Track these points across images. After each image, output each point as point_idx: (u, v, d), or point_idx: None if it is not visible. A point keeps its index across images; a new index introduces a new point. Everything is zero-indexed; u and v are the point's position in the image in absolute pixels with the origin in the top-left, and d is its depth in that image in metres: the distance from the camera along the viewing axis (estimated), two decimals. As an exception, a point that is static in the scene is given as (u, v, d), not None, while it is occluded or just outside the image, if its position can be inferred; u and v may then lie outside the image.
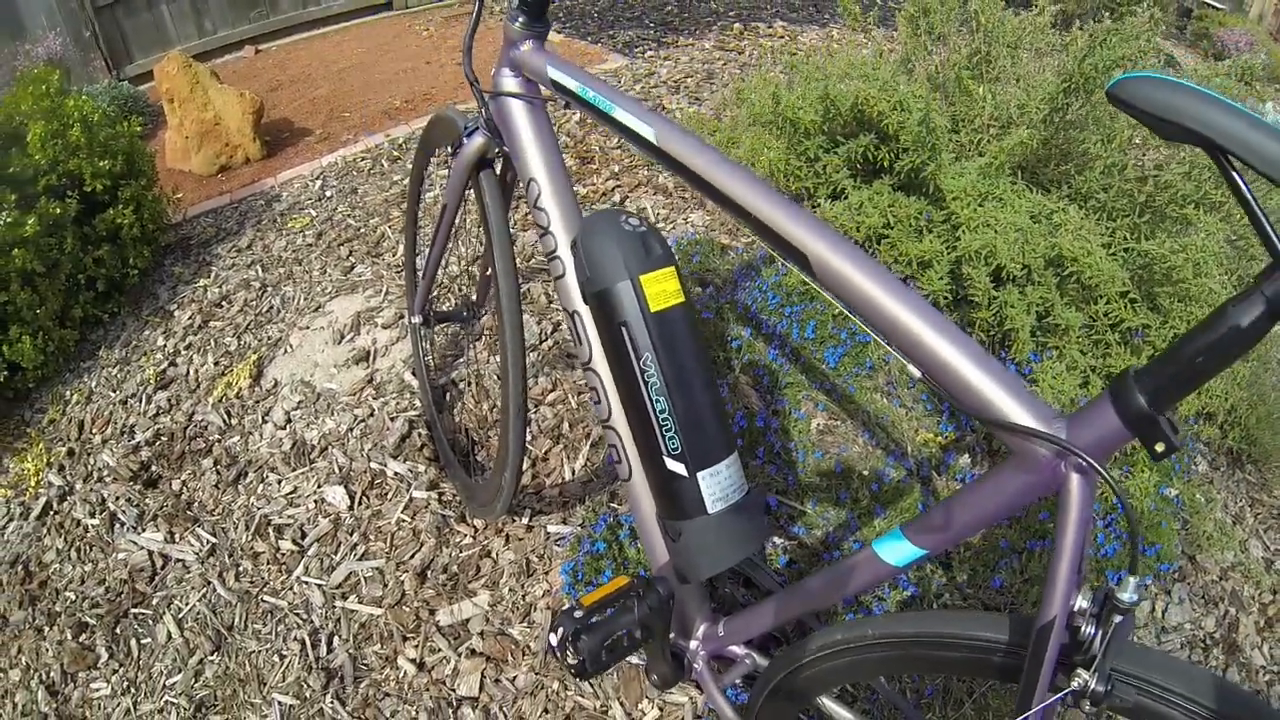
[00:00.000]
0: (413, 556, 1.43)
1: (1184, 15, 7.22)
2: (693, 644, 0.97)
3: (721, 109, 3.00)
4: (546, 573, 1.40)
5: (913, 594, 1.45)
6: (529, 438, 1.63)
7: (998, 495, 0.59)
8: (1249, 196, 0.45)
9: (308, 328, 1.99)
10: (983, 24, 1.97)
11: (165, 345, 2.07)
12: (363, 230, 2.39)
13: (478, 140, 1.09)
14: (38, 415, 1.98)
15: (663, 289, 0.76)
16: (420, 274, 1.34)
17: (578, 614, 0.83)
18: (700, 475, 0.75)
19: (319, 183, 2.76)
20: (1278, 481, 1.99)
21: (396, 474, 1.57)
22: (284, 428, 1.72)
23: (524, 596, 1.37)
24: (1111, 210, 1.84)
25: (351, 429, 1.67)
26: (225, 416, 1.79)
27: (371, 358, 1.86)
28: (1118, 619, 0.53)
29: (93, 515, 1.67)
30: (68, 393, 2.02)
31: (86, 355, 2.13)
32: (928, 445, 1.76)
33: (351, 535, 1.48)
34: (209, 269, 2.36)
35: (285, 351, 1.93)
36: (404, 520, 1.50)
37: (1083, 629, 0.54)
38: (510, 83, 1.00)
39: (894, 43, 4.18)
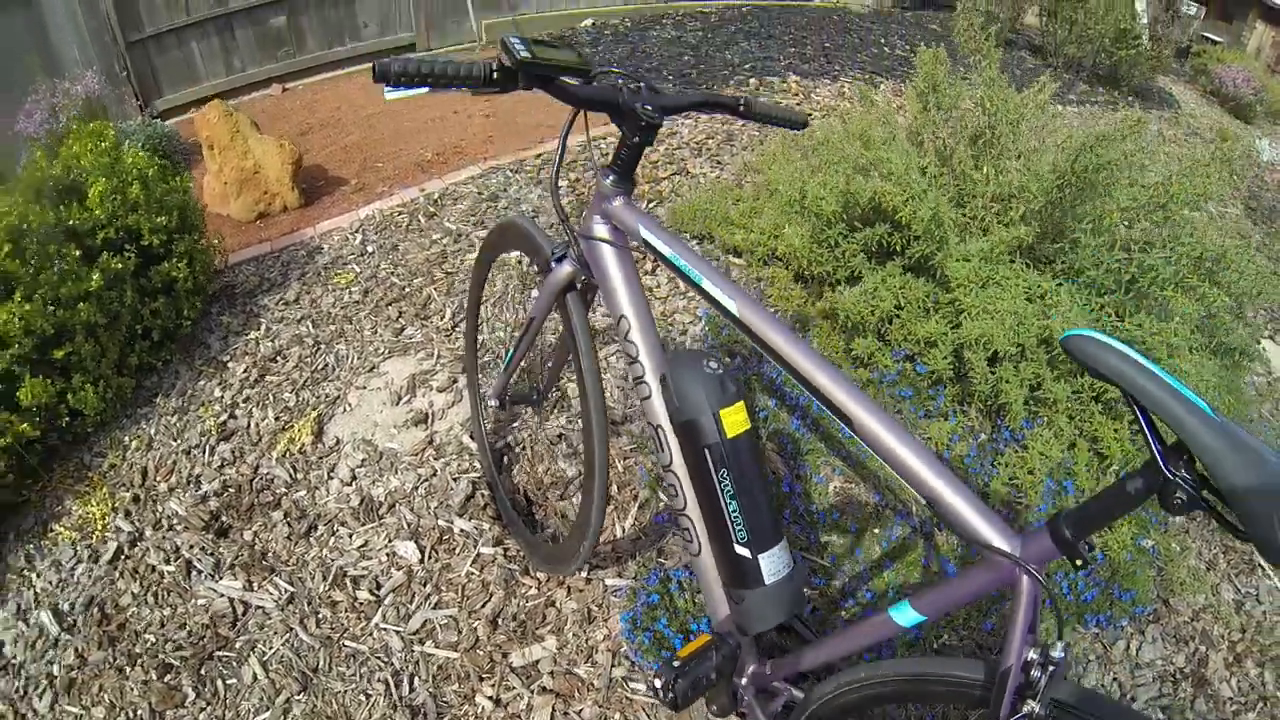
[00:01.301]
0: (484, 605, 1.61)
1: (1182, 54, 7.52)
2: (744, 680, 1.19)
3: (742, 174, 3.20)
4: (606, 620, 1.58)
5: (916, 635, 1.65)
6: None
7: (973, 585, 0.88)
8: (1144, 424, 0.72)
9: (364, 387, 2.16)
10: (987, 107, 2.17)
11: (223, 397, 2.22)
12: (408, 290, 2.56)
13: (567, 269, 1.29)
14: (97, 459, 2.11)
15: (736, 419, 1.01)
16: (504, 366, 1.55)
17: (675, 664, 1.10)
18: (761, 556, 1.02)
19: (359, 237, 2.93)
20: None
21: (463, 531, 1.75)
22: (350, 484, 1.88)
23: (587, 640, 1.55)
24: (1100, 287, 2.05)
25: (416, 488, 1.84)
26: (291, 471, 1.95)
27: (430, 420, 2.03)
28: (1052, 668, 0.77)
29: (168, 562, 1.81)
30: (126, 438, 2.16)
31: (143, 402, 2.27)
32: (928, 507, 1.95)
33: (424, 586, 1.65)
34: (258, 320, 2.52)
35: (344, 410, 2.10)
36: (473, 573, 1.67)
37: (1032, 673, 0.78)
38: (602, 230, 1.20)
39: (901, 96, 4.43)
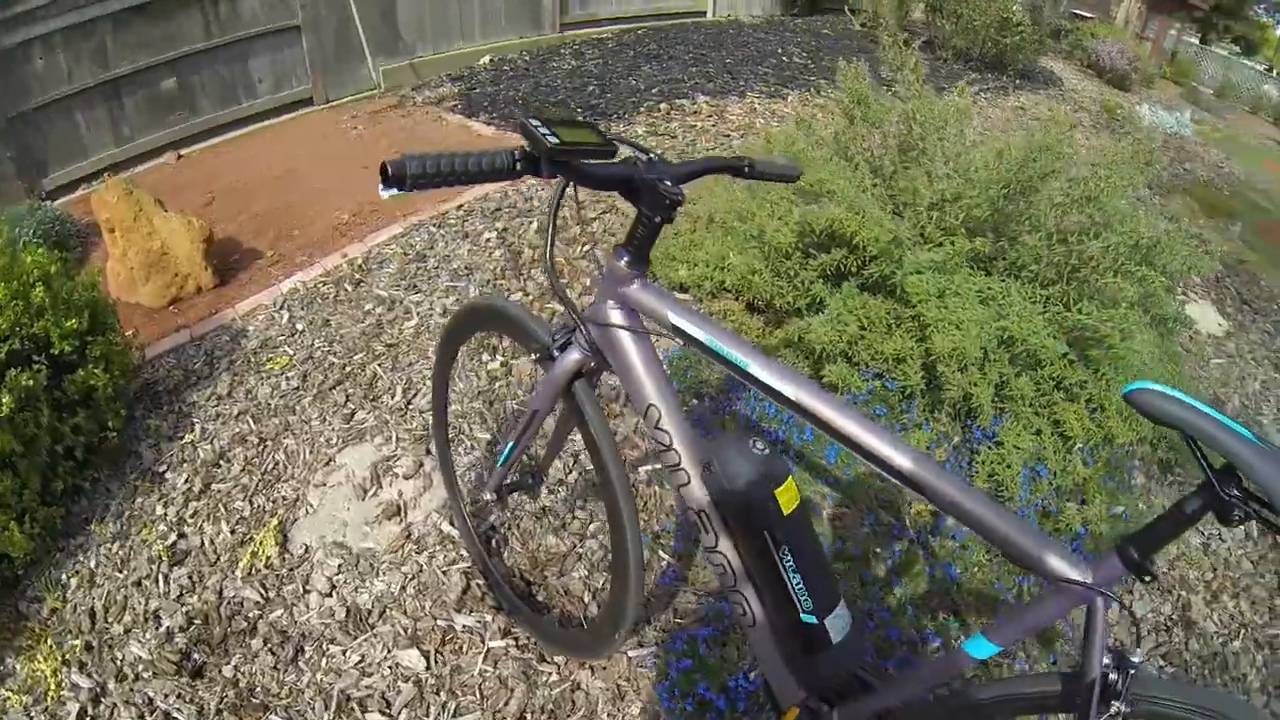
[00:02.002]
0: (507, 703, 1.52)
1: (1057, 34, 7.98)
2: None
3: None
4: (639, 693, 1.52)
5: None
6: (585, 572, 1.75)
7: (1048, 612, 0.93)
8: (1197, 455, 0.80)
9: (324, 484, 2.03)
10: (915, 117, 2.23)
11: (167, 514, 2.05)
12: (350, 369, 2.43)
13: (574, 357, 1.21)
14: (34, 605, 1.91)
15: (790, 496, 1.00)
16: (501, 461, 1.44)
17: None
18: (827, 620, 1.03)
19: (285, 314, 2.77)
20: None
21: (466, 627, 1.65)
22: (330, 595, 1.76)
23: (623, 719, 1.48)
24: (1042, 279, 2.12)
25: (404, 588, 1.74)
26: (261, 590, 1.81)
27: (403, 511, 1.93)
28: (1132, 670, 0.86)
29: (143, 719, 1.65)
30: (64, 576, 1.96)
31: (76, 531, 2.07)
32: (921, 515, 1.97)
33: (439, 695, 1.55)
34: (190, 421, 2.34)
35: (307, 512, 1.97)
36: (487, 670, 1.58)
37: (1111, 677, 0.87)
38: (618, 315, 1.13)
39: (808, 106, 4.52)
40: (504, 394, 2.28)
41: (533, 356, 1.27)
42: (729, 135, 4.11)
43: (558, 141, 0.93)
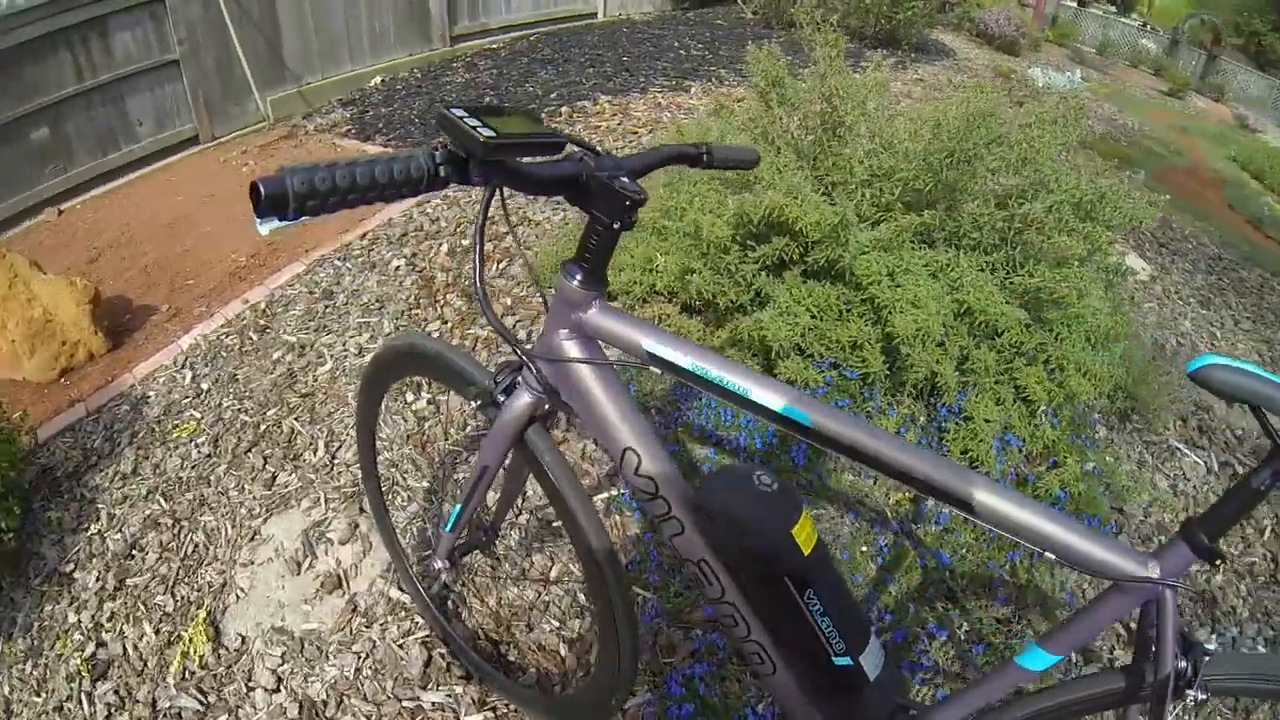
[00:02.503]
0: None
1: (944, 6, 8.17)
2: None
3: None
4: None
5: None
6: (555, 623, 1.60)
7: (1109, 613, 0.85)
8: (1264, 425, 0.76)
9: (252, 562, 1.81)
10: (838, 93, 2.14)
11: (81, 621, 1.80)
12: (264, 427, 2.21)
13: (524, 400, 1.02)
14: (-65, 758, 1.66)
15: (807, 532, 0.88)
16: (450, 524, 1.24)
17: None
18: (861, 658, 0.94)
19: (188, 373, 2.52)
20: (1159, 421, 2.41)
21: (435, 704, 1.47)
22: (278, 690, 1.55)
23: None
24: (985, 246, 2.06)
25: (360, 670, 1.54)
26: (199, 696, 1.58)
27: (344, 582, 1.73)
28: (1206, 657, 0.82)
29: None
30: (-33, 713, 1.71)
31: (-25, 653, 1.82)
32: (901, 504, 1.89)
33: (413, 790, 1.37)
34: (95, 509, 2.08)
35: (237, 597, 1.75)
36: (464, 753, 1.41)
37: (1180, 665, 0.82)
38: (574, 348, 0.95)
39: (710, 96, 4.45)
40: (435, 434, 2.10)
41: (472, 404, 1.08)
42: (636, 132, 4.00)
43: (493, 135, 0.72)
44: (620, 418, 0.95)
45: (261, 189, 0.63)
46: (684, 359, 0.88)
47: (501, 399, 1.04)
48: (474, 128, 0.72)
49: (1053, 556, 0.79)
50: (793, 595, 0.88)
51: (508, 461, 1.15)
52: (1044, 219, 1.95)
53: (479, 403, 1.07)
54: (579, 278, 0.93)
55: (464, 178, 0.74)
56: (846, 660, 0.92)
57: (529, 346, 0.99)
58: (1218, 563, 0.81)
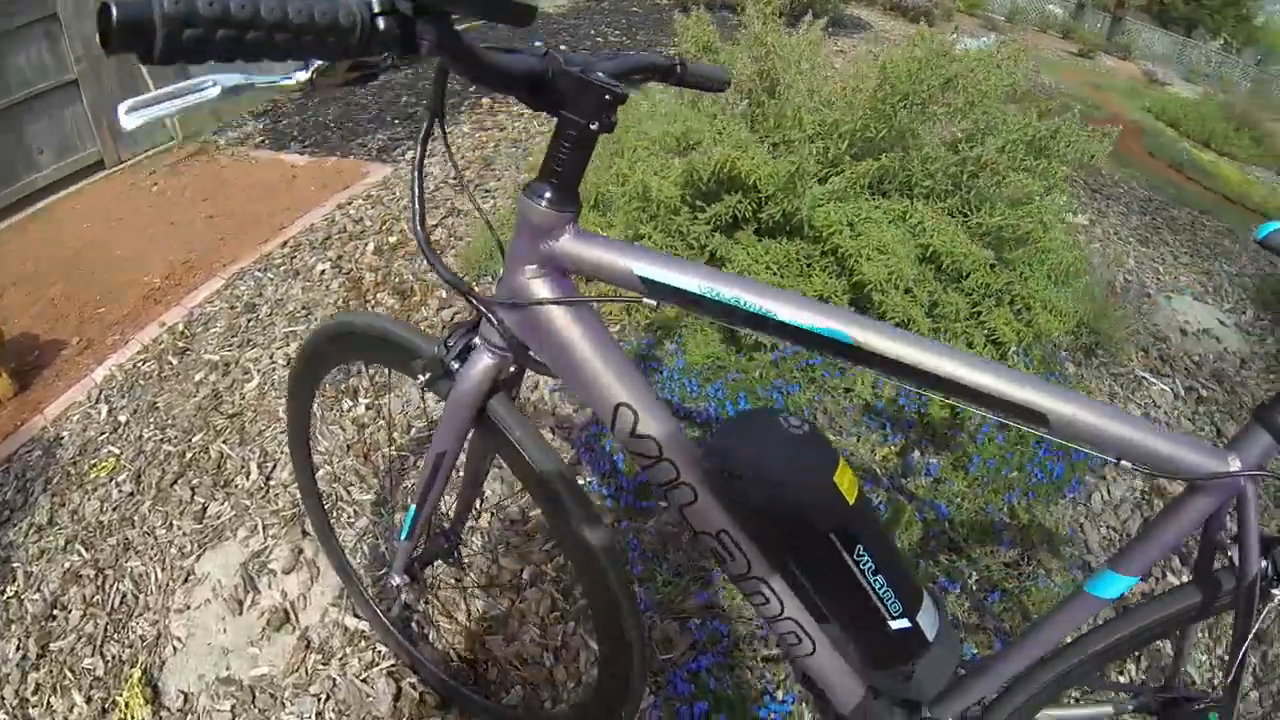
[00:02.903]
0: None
1: None
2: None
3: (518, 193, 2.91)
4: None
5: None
6: (536, 631, 1.45)
7: (1186, 519, 0.77)
8: None
9: (188, 607, 1.62)
10: (777, 51, 2.06)
11: (4, 698, 1.58)
12: (190, 455, 2.00)
13: (484, 364, 0.85)
14: None
15: (849, 479, 0.76)
16: (404, 532, 1.08)
17: None
18: (919, 618, 0.84)
19: (103, 407, 2.29)
20: (1122, 353, 2.45)
21: (409, 743, 1.31)
22: (230, 746, 1.37)
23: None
24: (939, 192, 2.00)
25: (322, 715, 1.37)
26: (137, 763, 1.40)
27: (292, 616, 1.55)
28: None
29: None
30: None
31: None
32: (889, 460, 1.81)
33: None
34: (8, 569, 1.85)
35: (175, 649, 1.55)
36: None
37: (1266, 566, 0.77)
38: (544, 287, 0.78)
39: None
40: (379, 440, 1.93)
41: (419, 380, 0.89)
42: (543, 130, 3.87)
43: None
44: (608, 368, 0.79)
45: (115, 13, 0.42)
46: (690, 281, 0.73)
47: (455, 366, 0.86)
48: None
49: (1129, 464, 0.72)
50: (840, 555, 0.76)
51: (467, 445, 0.99)
52: (997, 159, 1.90)
53: (427, 376, 0.89)
54: (548, 196, 0.74)
55: (407, 44, 0.54)
56: (905, 622, 0.82)
57: (487, 295, 0.82)
58: None
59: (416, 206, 0.78)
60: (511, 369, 0.87)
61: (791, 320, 0.71)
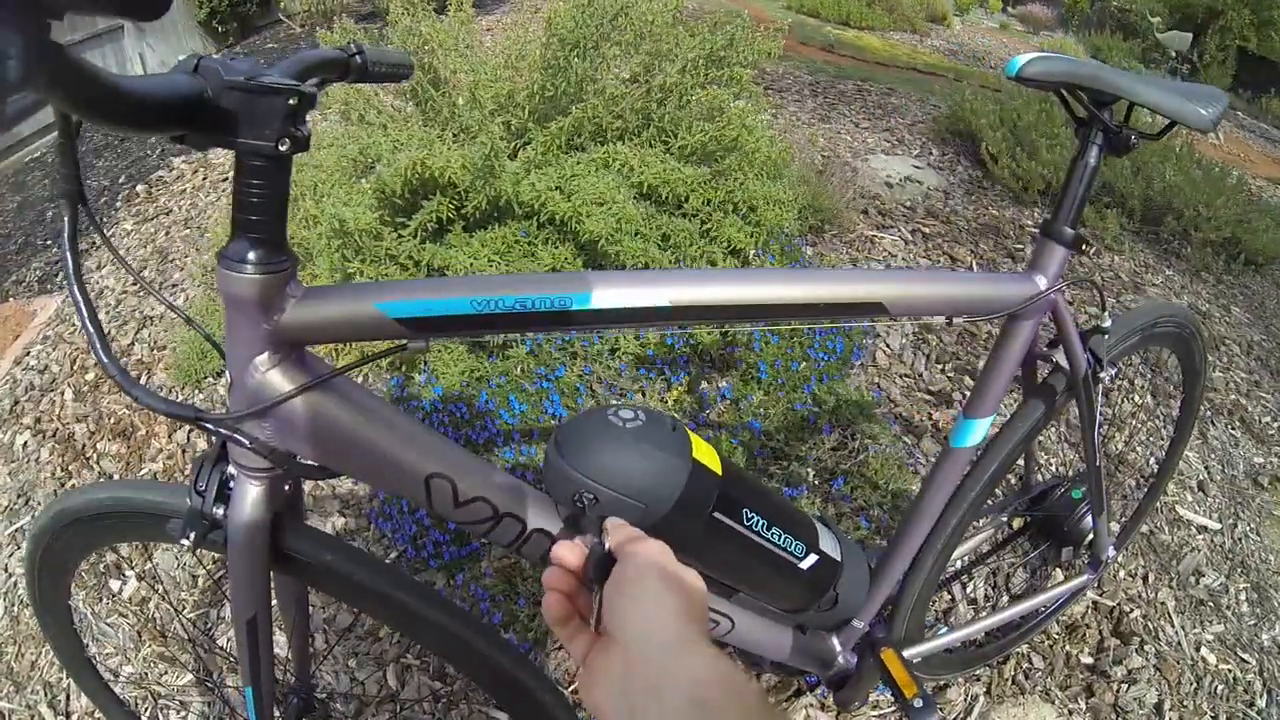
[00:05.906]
0: None
1: None
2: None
3: (207, 276, 2.55)
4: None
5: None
6: None
7: (1016, 345, 0.85)
8: (1088, 102, 0.82)
9: None
10: (430, 38, 1.95)
11: None
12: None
13: (251, 495, 0.66)
14: None
15: (704, 448, 0.71)
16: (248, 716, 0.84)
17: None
18: (821, 546, 0.84)
19: None
20: (847, 221, 2.60)
21: None
22: None
23: None
24: (634, 129, 2.00)
25: None
26: None
27: None
28: (1106, 336, 0.92)
29: None
30: None
31: None
32: (681, 400, 1.81)
33: None
34: None
35: None
36: None
37: (1088, 357, 0.91)
38: (283, 377, 0.60)
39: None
40: (169, 612, 1.61)
41: (184, 544, 0.67)
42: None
43: None
44: (401, 441, 0.64)
45: None
46: (458, 300, 0.60)
47: (219, 512, 0.67)
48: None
49: (960, 320, 0.80)
50: (732, 529, 0.73)
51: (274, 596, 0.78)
52: (681, 80, 1.92)
53: (191, 536, 0.67)
54: (251, 257, 0.56)
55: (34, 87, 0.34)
56: (811, 558, 0.82)
57: (220, 412, 0.63)
58: (1086, 247, 0.83)
59: (91, 330, 0.59)
60: (287, 487, 0.69)
61: (611, 304, 0.63)
